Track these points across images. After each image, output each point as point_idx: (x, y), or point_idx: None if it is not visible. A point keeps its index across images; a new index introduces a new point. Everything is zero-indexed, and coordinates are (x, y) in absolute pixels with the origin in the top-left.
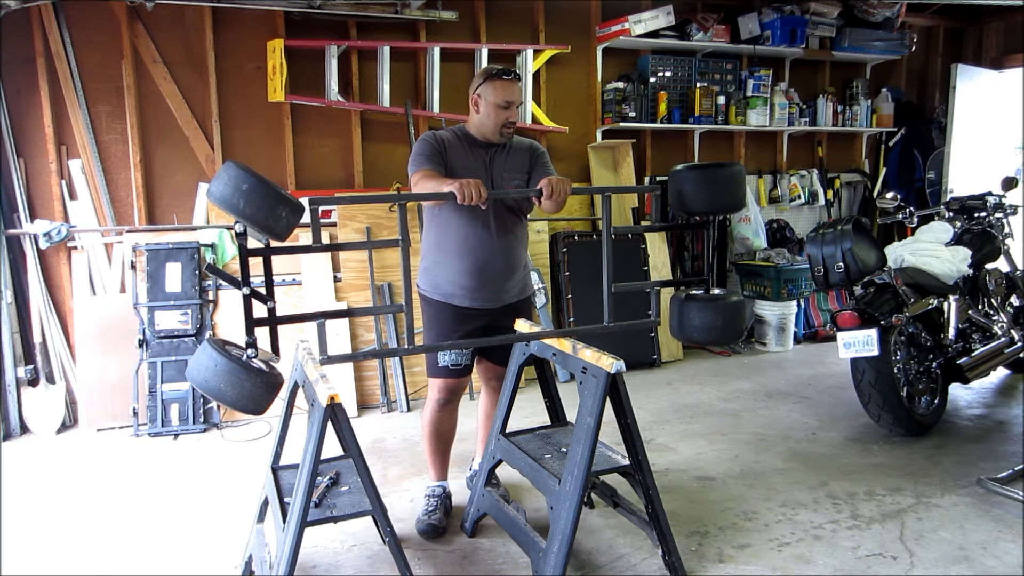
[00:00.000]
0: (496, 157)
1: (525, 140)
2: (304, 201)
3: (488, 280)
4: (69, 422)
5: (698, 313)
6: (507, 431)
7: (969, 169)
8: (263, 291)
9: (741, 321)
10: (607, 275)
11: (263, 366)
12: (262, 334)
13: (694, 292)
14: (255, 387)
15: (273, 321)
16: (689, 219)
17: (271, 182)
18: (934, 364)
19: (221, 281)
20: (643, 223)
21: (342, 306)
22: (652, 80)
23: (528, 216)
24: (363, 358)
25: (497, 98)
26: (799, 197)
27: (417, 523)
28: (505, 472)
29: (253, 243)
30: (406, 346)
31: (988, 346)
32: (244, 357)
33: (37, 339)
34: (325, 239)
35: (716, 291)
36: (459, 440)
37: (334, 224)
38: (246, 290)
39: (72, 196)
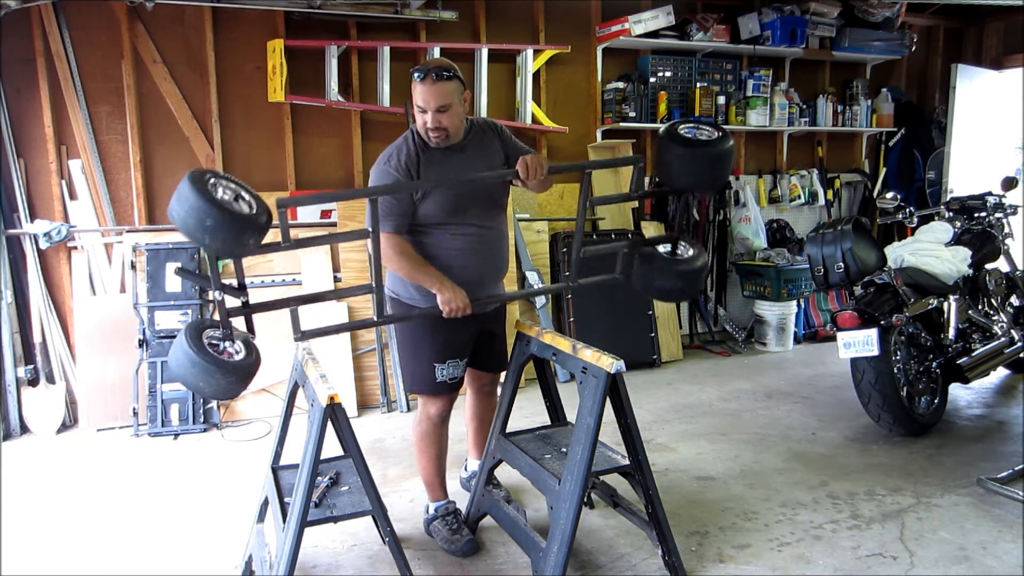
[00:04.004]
0: (472, 156)
1: (483, 122)
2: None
3: (481, 288)
4: (69, 422)
5: (659, 275)
6: (507, 431)
7: (969, 169)
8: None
9: (700, 282)
10: (578, 241)
11: (240, 350)
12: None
13: (658, 251)
14: (230, 383)
15: (247, 311)
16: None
17: (234, 210)
18: (934, 364)
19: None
20: (642, 223)
21: (342, 306)
22: (652, 80)
23: (521, 212)
24: (339, 331)
25: (415, 100)
26: (799, 197)
27: (449, 545)
28: (505, 472)
29: None
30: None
31: (988, 346)
32: (221, 348)
33: (37, 339)
34: None
35: (682, 250)
36: (453, 441)
37: (334, 224)
38: (218, 294)
39: (72, 196)
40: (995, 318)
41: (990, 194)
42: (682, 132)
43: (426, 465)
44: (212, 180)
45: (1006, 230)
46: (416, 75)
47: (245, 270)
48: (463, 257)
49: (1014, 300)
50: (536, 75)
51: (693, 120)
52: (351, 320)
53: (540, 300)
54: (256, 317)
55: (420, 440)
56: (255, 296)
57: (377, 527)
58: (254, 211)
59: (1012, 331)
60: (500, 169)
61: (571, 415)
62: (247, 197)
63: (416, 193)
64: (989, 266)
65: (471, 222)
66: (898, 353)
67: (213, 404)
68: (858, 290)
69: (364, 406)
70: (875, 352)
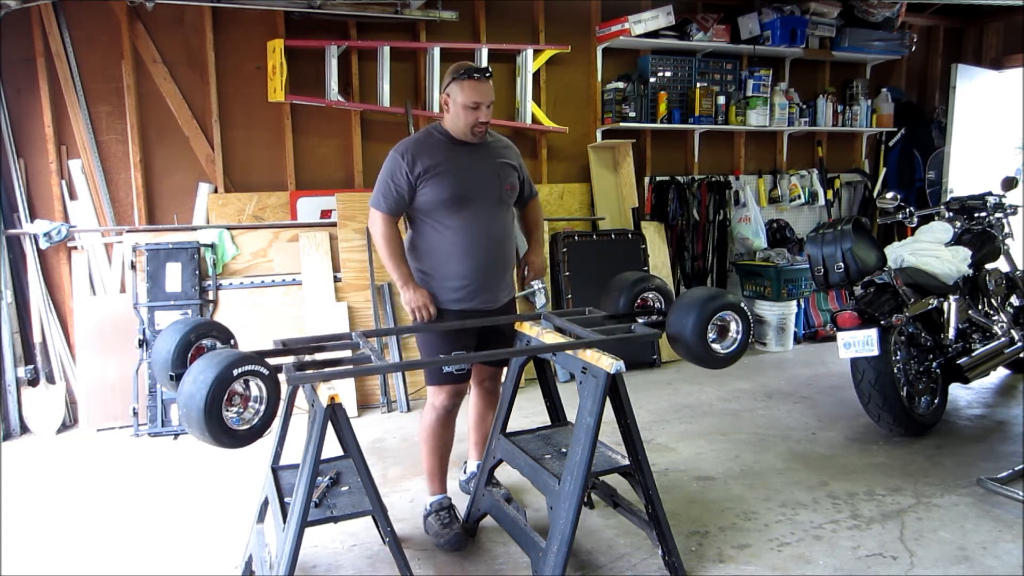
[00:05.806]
0: (490, 153)
1: (502, 138)
2: (303, 201)
3: (489, 278)
4: (69, 422)
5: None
6: (507, 431)
7: (969, 169)
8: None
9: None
10: None
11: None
12: (255, 335)
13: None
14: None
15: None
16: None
17: (233, 431)
18: (934, 364)
19: (221, 281)
20: (642, 223)
21: (342, 306)
22: (652, 80)
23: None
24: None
25: (465, 99)
26: (799, 197)
27: (438, 539)
28: (505, 472)
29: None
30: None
31: (988, 346)
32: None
33: (37, 339)
34: (326, 239)
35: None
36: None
37: (334, 224)
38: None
39: (72, 196)
40: (995, 318)
41: (990, 194)
42: (708, 335)
43: (428, 456)
44: (236, 377)
45: (1006, 230)
46: (464, 74)
47: (243, 270)
48: (482, 249)
49: (1014, 300)
50: (536, 75)
51: (732, 307)
52: (350, 321)
53: (540, 300)
54: (255, 314)
55: (424, 431)
56: (254, 295)
57: (377, 527)
58: (252, 425)
59: (1012, 331)
60: (512, 176)
61: (571, 415)
62: (254, 407)
63: (417, 178)
64: (989, 266)
65: (472, 218)
66: (898, 353)
67: None
68: (858, 290)
69: (364, 406)
70: (875, 352)
